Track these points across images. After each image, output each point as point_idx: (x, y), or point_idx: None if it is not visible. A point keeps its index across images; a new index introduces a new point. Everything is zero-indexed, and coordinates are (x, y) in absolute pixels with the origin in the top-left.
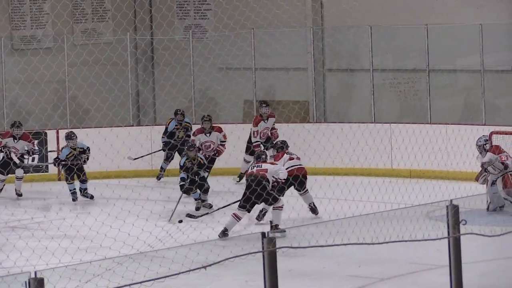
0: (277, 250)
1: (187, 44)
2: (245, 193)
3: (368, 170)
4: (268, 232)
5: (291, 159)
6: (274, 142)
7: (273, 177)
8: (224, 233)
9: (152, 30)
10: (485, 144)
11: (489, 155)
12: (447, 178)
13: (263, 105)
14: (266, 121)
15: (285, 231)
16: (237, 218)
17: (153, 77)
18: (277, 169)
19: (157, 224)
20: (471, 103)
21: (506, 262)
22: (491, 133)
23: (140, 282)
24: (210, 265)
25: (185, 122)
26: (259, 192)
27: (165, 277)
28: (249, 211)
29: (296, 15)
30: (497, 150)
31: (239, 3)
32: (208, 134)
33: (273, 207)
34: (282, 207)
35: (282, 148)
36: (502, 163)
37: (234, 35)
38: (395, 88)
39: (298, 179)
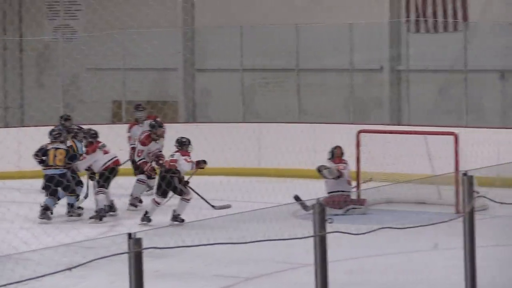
0: (143, 250)
1: (56, 44)
2: (158, 182)
3: (236, 170)
4: (135, 233)
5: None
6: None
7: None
8: (147, 218)
9: (21, 31)
10: (334, 149)
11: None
12: (315, 177)
13: (139, 108)
14: (157, 141)
15: (183, 220)
16: (156, 203)
17: (21, 78)
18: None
19: (23, 226)
20: (340, 102)
21: (371, 260)
22: (359, 132)
23: (4, 285)
24: (75, 267)
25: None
26: (168, 181)
27: (29, 279)
28: (164, 196)
29: (167, 15)
30: (339, 160)
31: (109, 3)
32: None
33: (181, 198)
34: (189, 200)
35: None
36: (338, 171)
37: (104, 36)
38: (265, 88)
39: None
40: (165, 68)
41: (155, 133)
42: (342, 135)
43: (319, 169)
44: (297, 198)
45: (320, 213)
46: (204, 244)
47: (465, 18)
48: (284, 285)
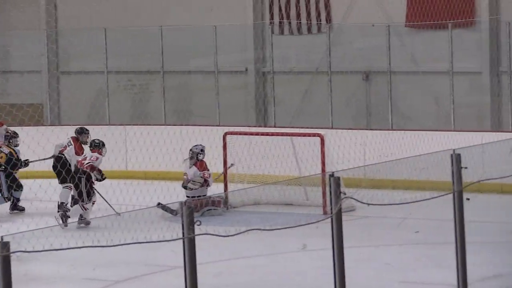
0: (11, 254)
1: None
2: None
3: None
4: (2, 237)
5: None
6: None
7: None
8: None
9: None
10: (199, 154)
11: (194, 169)
12: (181, 179)
13: None
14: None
15: (89, 223)
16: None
17: None
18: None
19: None
20: (206, 103)
21: (239, 261)
22: (225, 134)
23: None
24: None
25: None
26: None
27: None
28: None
29: (30, 17)
30: (202, 167)
31: None
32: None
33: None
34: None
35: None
36: (204, 179)
37: None
38: (130, 90)
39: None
40: (29, 70)
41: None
42: (209, 136)
43: (185, 187)
44: (160, 205)
45: (189, 216)
46: (72, 248)
47: (328, 20)
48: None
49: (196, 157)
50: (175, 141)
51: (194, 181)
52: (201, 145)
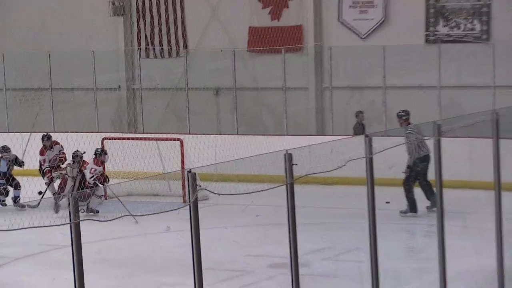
0: None
1: None
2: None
3: None
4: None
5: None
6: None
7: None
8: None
9: None
10: (82, 156)
11: (91, 165)
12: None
13: None
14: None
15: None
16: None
17: None
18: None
19: None
20: (87, 115)
21: (117, 241)
22: (103, 139)
23: None
24: None
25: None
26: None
27: None
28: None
29: None
30: (84, 165)
31: None
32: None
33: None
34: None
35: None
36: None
37: None
38: (25, 104)
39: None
40: None
41: None
42: (90, 142)
43: (57, 177)
44: (40, 192)
45: (74, 205)
46: None
47: (185, 46)
48: (46, 263)
49: (80, 158)
50: (65, 144)
51: (59, 175)
52: (77, 150)
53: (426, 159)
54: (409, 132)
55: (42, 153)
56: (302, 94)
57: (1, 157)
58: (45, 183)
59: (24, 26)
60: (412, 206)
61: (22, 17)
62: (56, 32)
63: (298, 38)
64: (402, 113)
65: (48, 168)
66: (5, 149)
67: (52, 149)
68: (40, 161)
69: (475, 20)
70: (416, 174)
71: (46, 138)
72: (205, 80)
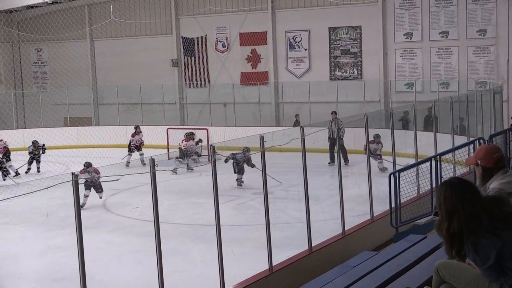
0: None
1: None
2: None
3: None
4: None
5: None
6: None
7: None
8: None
9: None
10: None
11: None
12: None
13: None
14: None
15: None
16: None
17: None
18: None
19: None
20: (159, 116)
21: (187, 179)
22: (168, 129)
23: None
24: None
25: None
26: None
27: None
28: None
29: None
30: None
31: None
32: None
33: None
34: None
35: None
36: None
37: None
38: (127, 111)
39: None
40: None
41: None
42: (161, 131)
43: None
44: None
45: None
46: None
47: (208, 81)
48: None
49: None
50: (148, 132)
51: None
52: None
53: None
54: (340, 122)
55: (132, 135)
56: (267, 106)
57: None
58: (128, 153)
59: (122, 69)
60: (331, 158)
61: (120, 65)
62: (142, 75)
63: (266, 78)
64: (334, 112)
65: (133, 145)
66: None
67: (138, 135)
68: (130, 140)
69: (354, 68)
70: (333, 143)
71: (136, 127)
72: (218, 98)
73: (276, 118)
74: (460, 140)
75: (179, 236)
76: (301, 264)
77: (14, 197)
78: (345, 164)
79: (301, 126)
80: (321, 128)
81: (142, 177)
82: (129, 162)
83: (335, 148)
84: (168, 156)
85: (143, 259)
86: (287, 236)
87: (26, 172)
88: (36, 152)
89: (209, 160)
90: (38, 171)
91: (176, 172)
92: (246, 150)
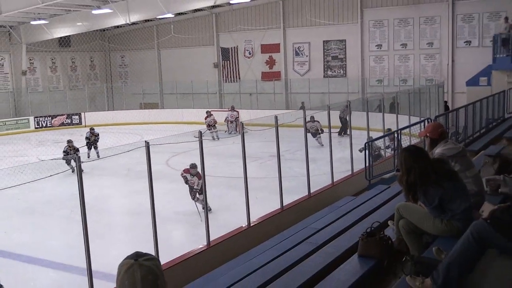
0: None
1: None
2: None
3: None
4: None
5: None
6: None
7: None
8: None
9: None
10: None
11: None
12: None
13: None
14: None
15: None
16: None
17: None
18: None
19: None
20: (204, 103)
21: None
22: (208, 111)
23: None
24: None
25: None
26: None
27: None
28: None
29: None
30: None
31: None
32: None
33: None
34: None
35: None
36: None
37: None
38: (180, 99)
39: None
40: None
41: None
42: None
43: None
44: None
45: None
46: None
47: (239, 77)
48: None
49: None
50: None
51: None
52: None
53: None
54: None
55: (205, 118)
56: (280, 95)
57: None
58: (207, 128)
59: (179, 69)
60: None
61: (178, 66)
62: (192, 74)
63: (279, 75)
64: (348, 101)
65: (207, 124)
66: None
67: (210, 117)
68: (206, 121)
69: (340, 69)
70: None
71: (208, 112)
72: (246, 90)
73: (286, 104)
74: (414, 119)
75: (218, 185)
76: (303, 205)
77: (106, 157)
78: (346, 135)
79: (304, 110)
80: (317, 111)
81: (193, 144)
82: (215, 138)
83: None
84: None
85: (192, 201)
86: (293, 185)
87: (88, 157)
88: (92, 138)
89: (239, 132)
90: (98, 156)
91: (217, 138)
92: (312, 120)
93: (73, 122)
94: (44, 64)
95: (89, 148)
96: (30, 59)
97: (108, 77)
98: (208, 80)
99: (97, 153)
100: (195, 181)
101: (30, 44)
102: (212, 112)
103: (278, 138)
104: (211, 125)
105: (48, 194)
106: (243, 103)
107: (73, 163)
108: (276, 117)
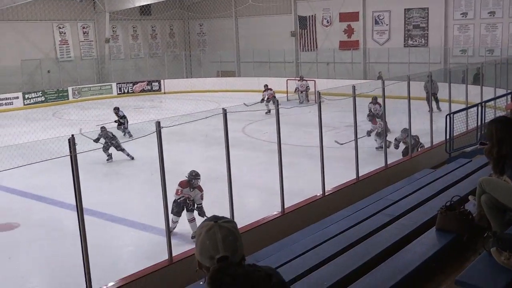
0: None
1: None
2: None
3: None
4: None
5: None
6: None
7: None
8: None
9: None
10: None
11: None
12: None
13: None
14: None
15: None
16: None
17: None
18: None
19: None
20: (280, 71)
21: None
22: (287, 80)
23: None
24: None
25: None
26: None
27: None
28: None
29: None
30: None
31: None
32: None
33: None
34: None
35: None
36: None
37: None
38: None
39: None
40: None
41: None
42: (280, 82)
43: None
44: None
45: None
46: None
47: (316, 46)
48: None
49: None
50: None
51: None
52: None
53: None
54: (434, 80)
55: (263, 92)
56: (358, 65)
57: None
58: (264, 103)
59: (256, 37)
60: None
61: (255, 35)
62: (269, 42)
63: (357, 45)
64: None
65: (262, 98)
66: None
67: (267, 91)
68: (263, 95)
69: (422, 38)
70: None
71: (266, 86)
72: (323, 59)
73: (364, 74)
74: (500, 92)
75: (293, 154)
76: (379, 176)
77: (184, 123)
78: (439, 110)
79: (382, 79)
80: (396, 81)
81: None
82: (269, 110)
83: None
84: (287, 98)
85: (269, 168)
86: (369, 156)
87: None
88: (120, 120)
89: (315, 102)
90: (130, 135)
91: (268, 112)
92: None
93: (153, 88)
94: (126, 32)
95: (123, 131)
96: (113, 27)
97: (186, 45)
98: (285, 49)
99: (128, 132)
100: (197, 194)
101: (113, 13)
102: (270, 87)
103: (356, 108)
104: (268, 99)
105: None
106: (320, 72)
107: (111, 149)
108: (353, 87)
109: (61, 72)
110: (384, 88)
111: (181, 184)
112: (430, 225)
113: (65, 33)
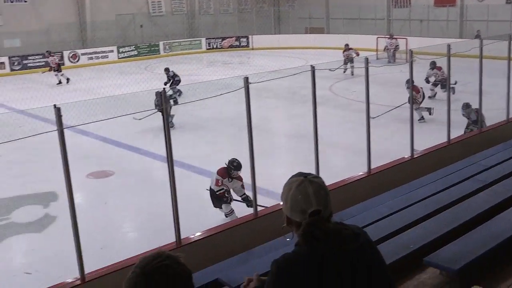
0: None
1: None
2: None
3: None
4: None
5: None
6: None
7: None
8: None
9: None
10: None
11: None
12: None
13: None
14: None
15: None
16: None
17: None
18: None
19: None
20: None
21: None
22: (377, 37)
23: None
24: None
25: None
26: None
27: None
28: None
29: None
30: None
31: None
32: None
33: None
34: None
35: None
36: None
37: None
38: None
39: None
40: None
41: None
42: (369, 40)
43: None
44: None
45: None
46: None
47: (410, 2)
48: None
49: None
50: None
51: None
52: None
53: None
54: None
55: (343, 52)
56: (453, 23)
57: None
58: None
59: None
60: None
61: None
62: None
63: (454, 1)
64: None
65: (345, 59)
66: None
67: (348, 51)
68: (343, 54)
69: None
70: None
71: (346, 45)
72: (416, 16)
73: (460, 32)
74: None
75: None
76: (472, 140)
77: (272, 79)
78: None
79: (481, 38)
80: (496, 40)
81: (358, 70)
82: (345, 69)
83: None
84: (377, 56)
85: (356, 127)
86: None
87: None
88: (171, 80)
89: (407, 61)
90: (180, 94)
91: (351, 74)
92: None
93: (241, 44)
94: None
95: (174, 90)
96: None
97: (275, 0)
98: (376, 5)
99: (178, 91)
100: (237, 185)
101: None
102: (351, 47)
103: (450, 68)
104: (347, 60)
105: (218, 112)
106: (413, 30)
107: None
108: (448, 46)
109: (153, 27)
110: (482, 48)
111: (221, 173)
112: None
113: None
